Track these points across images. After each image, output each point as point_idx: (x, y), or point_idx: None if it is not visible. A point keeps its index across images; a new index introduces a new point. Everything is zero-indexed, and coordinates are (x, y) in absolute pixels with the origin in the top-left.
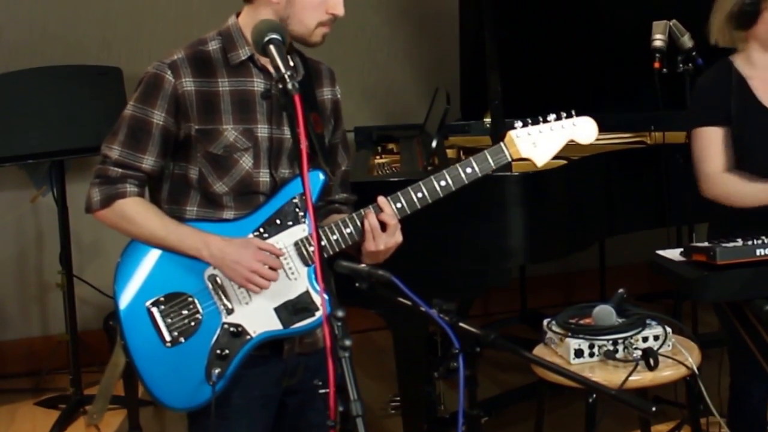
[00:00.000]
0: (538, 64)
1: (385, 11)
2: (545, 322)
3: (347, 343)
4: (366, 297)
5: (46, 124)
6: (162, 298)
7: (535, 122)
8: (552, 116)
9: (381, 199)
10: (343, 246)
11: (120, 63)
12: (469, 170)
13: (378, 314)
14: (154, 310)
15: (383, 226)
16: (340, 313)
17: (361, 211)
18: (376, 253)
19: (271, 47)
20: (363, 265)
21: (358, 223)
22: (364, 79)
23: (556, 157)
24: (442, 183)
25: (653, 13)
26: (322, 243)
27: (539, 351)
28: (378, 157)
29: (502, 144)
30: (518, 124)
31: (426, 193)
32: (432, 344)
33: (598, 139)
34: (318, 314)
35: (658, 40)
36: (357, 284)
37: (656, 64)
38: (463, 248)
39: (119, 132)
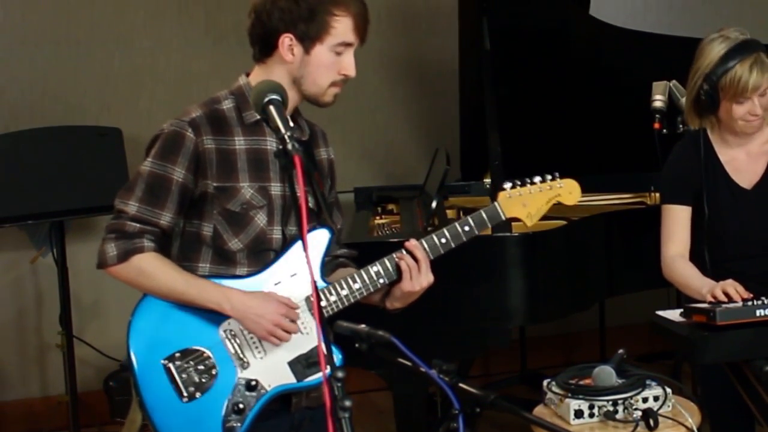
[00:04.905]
0: (538, 125)
1: (385, 71)
2: (545, 382)
3: (347, 403)
4: (366, 357)
5: (46, 185)
6: (177, 354)
7: (523, 183)
8: (537, 178)
9: (411, 243)
10: (352, 300)
11: (120, 124)
12: (467, 228)
13: (378, 375)
14: (171, 366)
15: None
16: (340, 374)
17: (374, 264)
18: (411, 294)
19: (271, 108)
20: (363, 326)
21: (365, 278)
22: (364, 139)
23: (556, 218)
24: (443, 240)
25: (653, 73)
26: (332, 298)
27: (539, 411)
28: (378, 217)
29: (496, 203)
30: (507, 185)
31: (428, 250)
32: (432, 405)
33: (598, 200)
34: None
35: (658, 100)
36: (357, 345)
37: (656, 125)
38: (463, 309)
39: (135, 188)
